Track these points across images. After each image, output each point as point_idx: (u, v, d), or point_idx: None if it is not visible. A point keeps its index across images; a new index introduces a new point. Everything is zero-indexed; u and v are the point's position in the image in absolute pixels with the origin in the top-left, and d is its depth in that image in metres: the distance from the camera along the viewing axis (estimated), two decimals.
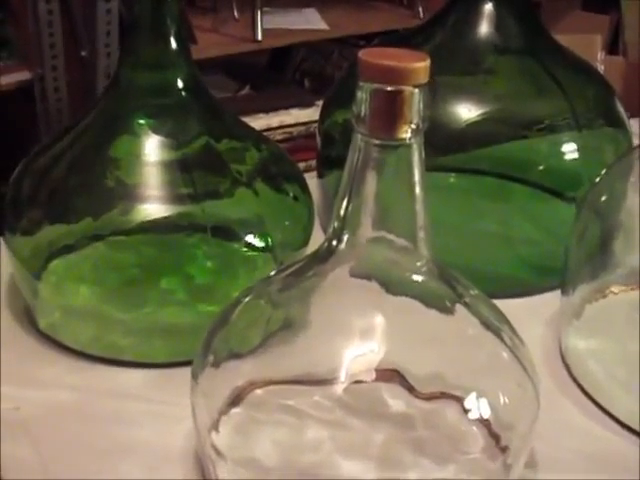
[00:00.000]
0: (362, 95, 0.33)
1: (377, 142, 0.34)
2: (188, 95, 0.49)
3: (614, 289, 0.51)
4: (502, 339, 0.38)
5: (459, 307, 0.38)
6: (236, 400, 0.38)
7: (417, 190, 0.35)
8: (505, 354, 0.38)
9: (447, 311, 0.38)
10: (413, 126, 0.33)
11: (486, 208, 0.56)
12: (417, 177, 0.35)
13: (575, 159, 0.56)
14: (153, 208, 0.47)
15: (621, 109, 0.60)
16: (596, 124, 0.58)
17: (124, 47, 0.48)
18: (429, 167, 0.58)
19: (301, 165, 0.62)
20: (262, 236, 0.48)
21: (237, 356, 0.39)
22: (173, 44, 0.47)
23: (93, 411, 0.44)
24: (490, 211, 0.56)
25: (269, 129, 1.21)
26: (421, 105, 0.33)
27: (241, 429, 0.38)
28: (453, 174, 0.58)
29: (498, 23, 0.56)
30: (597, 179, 0.50)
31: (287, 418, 0.38)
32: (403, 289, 0.37)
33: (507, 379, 0.38)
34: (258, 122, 1.19)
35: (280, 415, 0.38)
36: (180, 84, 0.48)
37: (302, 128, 1.28)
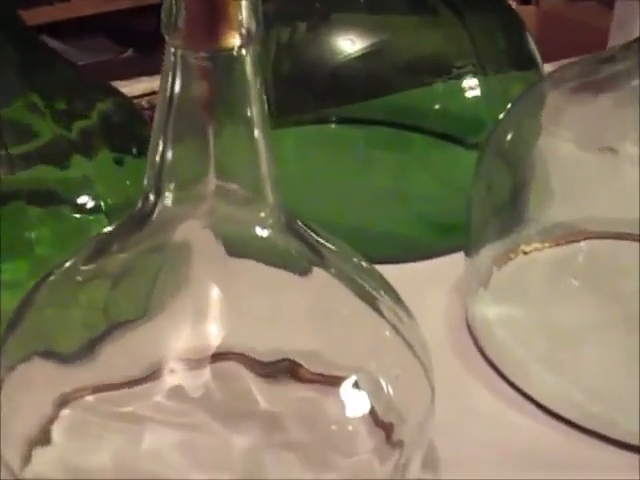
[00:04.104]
0: None
1: (197, 54, 0.25)
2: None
3: (526, 247, 0.43)
4: (379, 310, 0.29)
5: (317, 270, 0.29)
6: (47, 431, 0.30)
7: (256, 121, 0.26)
8: (383, 329, 0.29)
9: (301, 274, 0.29)
10: (243, 31, 0.25)
11: (378, 161, 0.49)
12: (254, 102, 0.26)
13: (478, 103, 0.49)
14: None
15: (533, 47, 0.52)
16: (504, 64, 0.51)
17: None
18: (311, 118, 0.52)
19: None
20: (94, 198, 0.39)
21: (47, 359, 0.30)
22: None
23: None
24: (383, 164, 0.49)
25: (152, 93, 1.12)
26: (253, 3, 0.25)
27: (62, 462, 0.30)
28: (338, 125, 0.50)
29: None
30: (501, 115, 0.43)
31: (119, 430, 0.30)
32: (245, 249, 0.28)
33: (387, 361, 0.30)
34: (140, 85, 1.10)
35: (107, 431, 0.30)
36: None
37: None
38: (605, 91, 0.41)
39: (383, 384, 0.29)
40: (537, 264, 0.43)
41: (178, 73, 0.26)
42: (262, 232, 0.28)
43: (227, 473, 0.30)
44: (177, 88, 0.26)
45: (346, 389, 0.30)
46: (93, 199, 0.39)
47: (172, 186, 0.27)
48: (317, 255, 0.29)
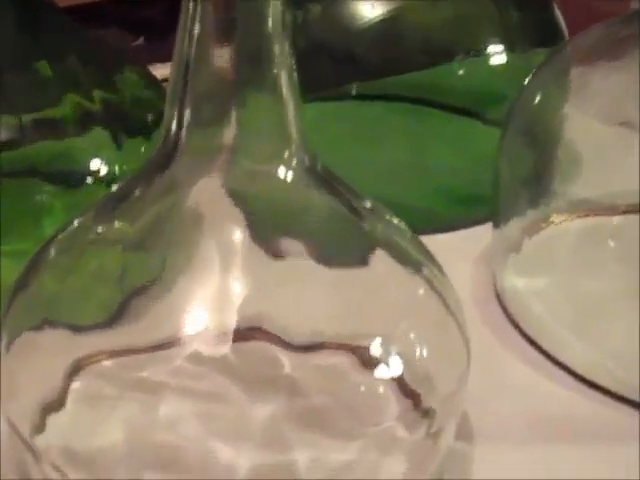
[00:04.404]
0: None
1: None
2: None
3: (556, 218, 0.42)
4: (418, 269, 0.28)
5: (346, 223, 0.28)
6: (61, 397, 0.28)
7: (281, 66, 0.25)
8: (420, 289, 0.28)
9: (328, 229, 0.28)
10: None
11: (399, 136, 0.47)
12: (279, 45, 0.25)
13: (503, 79, 0.47)
14: None
15: (561, 21, 0.51)
16: (530, 39, 0.49)
17: None
18: (330, 94, 0.50)
19: None
20: (107, 164, 0.38)
21: (54, 326, 0.29)
22: None
23: None
24: (404, 139, 0.47)
25: (166, 79, 1.11)
26: None
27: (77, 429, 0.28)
28: (358, 99, 0.49)
29: None
30: (525, 81, 0.41)
31: (135, 397, 0.29)
32: (266, 205, 0.27)
33: (422, 321, 0.28)
34: (154, 72, 1.09)
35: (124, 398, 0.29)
36: None
37: None
38: (625, 55, 0.39)
39: (417, 345, 0.28)
40: (569, 234, 0.41)
41: (199, 21, 0.24)
42: (286, 174, 0.26)
43: (247, 442, 0.28)
44: (196, 31, 0.24)
45: (375, 354, 0.28)
46: (106, 166, 0.38)
47: (191, 135, 0.26)
48: (349, 208, 0.28)
